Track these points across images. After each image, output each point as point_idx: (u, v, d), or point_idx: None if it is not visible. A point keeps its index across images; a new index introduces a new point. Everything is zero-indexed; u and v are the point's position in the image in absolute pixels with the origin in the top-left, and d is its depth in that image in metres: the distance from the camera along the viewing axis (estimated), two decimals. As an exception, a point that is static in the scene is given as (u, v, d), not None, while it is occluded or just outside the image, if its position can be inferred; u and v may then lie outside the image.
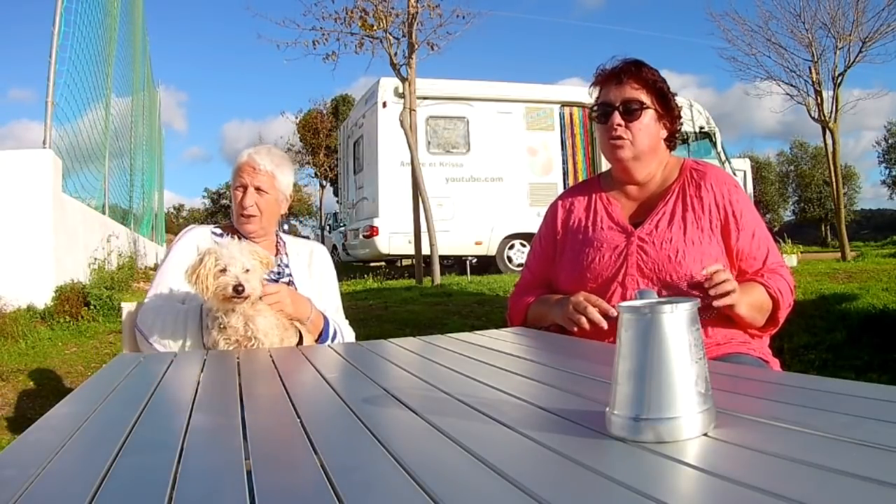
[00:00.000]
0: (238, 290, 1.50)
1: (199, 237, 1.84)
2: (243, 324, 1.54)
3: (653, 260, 1.54)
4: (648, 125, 1.61)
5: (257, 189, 1.82)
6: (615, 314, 1.50)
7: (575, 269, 1.63)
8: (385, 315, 5.25)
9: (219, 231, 1.90)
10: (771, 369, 1.50)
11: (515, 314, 1.78)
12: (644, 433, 0.64)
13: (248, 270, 1.53)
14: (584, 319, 1.51)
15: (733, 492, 0.51)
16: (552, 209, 1.81)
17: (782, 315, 1.54)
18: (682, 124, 1.70)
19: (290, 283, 1.84)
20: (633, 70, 1.61)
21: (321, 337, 1.75)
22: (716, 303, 1.42)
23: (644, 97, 1.60)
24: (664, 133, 1.65)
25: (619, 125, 1.60)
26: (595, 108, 1.67)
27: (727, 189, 1.59)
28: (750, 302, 1.48)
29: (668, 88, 1.65)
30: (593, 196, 1.71)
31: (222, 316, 1.55)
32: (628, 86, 1.60)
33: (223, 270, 1.51)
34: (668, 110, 1.64)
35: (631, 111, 1.59)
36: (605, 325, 1.49)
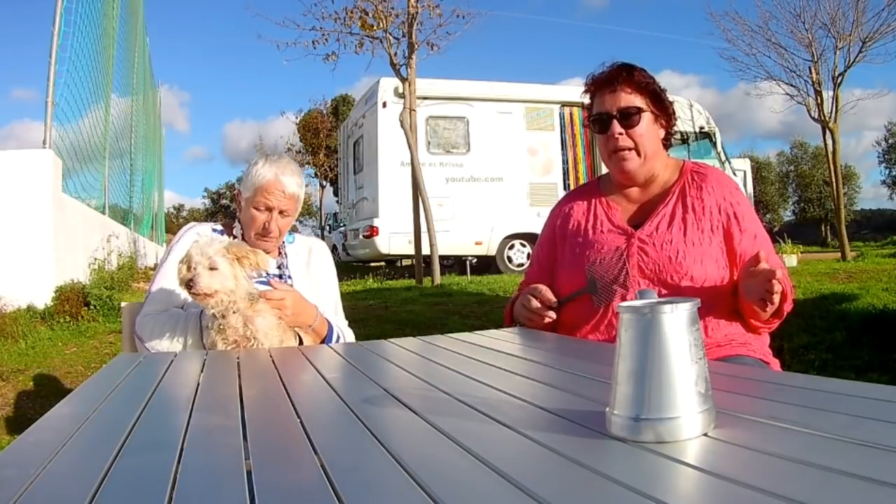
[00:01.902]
0: (188, 286, 1.50)
1: (204, 235, 1.83)
2: (242, 324, 1.54)
3: (653, 261, 1.54)
4: (648, 129, 1.60)
5: (281, 213, 1.78)
6: (555, 304, 1.58)
7: (576, 271, 1.63)
8: (385, 315, 5.25)
9: (219, 229, 1.88)
10: (770, 370, 1.51)
11: (505, 317, 1.82)
12: (644, 433, 0.64)
13: (213, 269, 1.51)
14: (535, 316, 1.61)
15: (733, 492, 0.51)
16: (551, 216, 1.81)
17: (787, 309, 1.53)
18: (676, 121, 1.69)
19: (287, 280, 1.83)
20: (625, 75, 1.60)
21: (323, 343, 1.74)
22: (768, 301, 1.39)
23: (639, 101, 1.59)
24: (662, 133, 1.65)
25: (620, 134, 1.59)
26: (591, 117, 1.66)
27: (728, 191, 1.59)
28: None
29: (660, 88, 1.64)
30: (593, 201, 1.71)
31: (219, 316, 1.55)
32: (622, 92, 1.59)
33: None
34: (663, 110, 1.64)
35: (629, 117, 1.58)
36: (552, 315, 1.60)
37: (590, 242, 1.64)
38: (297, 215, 1.87)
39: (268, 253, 1.83)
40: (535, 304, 1.60)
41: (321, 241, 2.07)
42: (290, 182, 1.78)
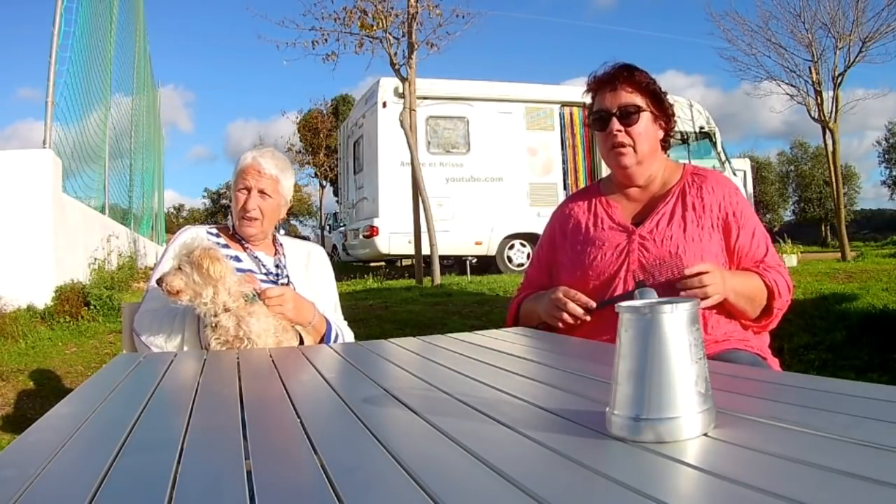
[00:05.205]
0: (158, 283, 1.58)
1: (193, 237, 1.85)
2: (234, 324, 1.54)
3: (654, 256, 1.55)
4: (646, 128, 1.63)
5: (261, 192, 1.82)
6: (594, 306, 1.55)
7: (577, 268, 1.64)
8: (385, 315, 5.24)
9: (214, 231, 1.90)
10: (767, 365, 1.51)
11: (509, 315, 1.83)
12: (644, 433, 0.64)
13: (179, 268, 1.55)
14: (565, 315, 1.57)
15: (733, 492, 0.51)
16: (552, 217, 1.83)
17: (777, 306, 1.55)
18: (676, 123, 1.71)
19: (287, 285, 1.84)
20: (626, 75, 1.63)
21: (322, 340, 1.75)
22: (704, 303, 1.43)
23: (639, 100, 1.62)
24: (661, 134, 1.68)
25: (619, 131, 1.61)
26: (591, 115, 1.68)
27: (728, 192, 1.62)
28: (738, 289, 1.50)
29: (660, 89, 1.66)
30: (593, 200, 1.73)
31: (211, 316, 1.56)
32: (622, 91, 1.61)
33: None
34: (663, 110, 1.66)
35: (628, 116, 1.61)
36: (587, 318, 1.56)
37: (591, 240, 1.65)
38: (281, 199, 1.89)
39: (252, 238, 1.87)
40: (572, 306, 1.57)
41: (319, 246, 2.09)
42: (268, 164, 1.84)
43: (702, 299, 1.43)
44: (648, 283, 1.53)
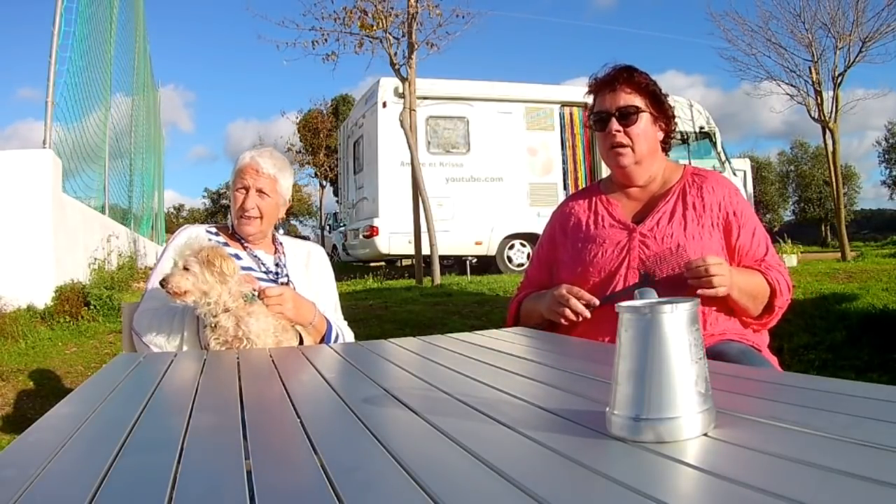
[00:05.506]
0: (162, 284, 1.55)
1: (193, 236, 1.85)
2: (234, 324, 1.54)
3: (654, 253, 1.56)
4: (645, 129, 1.64)
5: (259, 192, 1.82)
6: (597, 303, 1.54)
7: (577, 265, 1.65)
8: (385, 315, 5.24)
9: (214, 230, 1.90)
10: (762, 356, 1.52)
11: (509, 314, 1.84)
12: (644, 433, 0.64)
13: (186, 269, 1.54)
14: (567, 311, 1.57)
15: (733, 492, 0.51)
16: (553, 216, 1.84)
17: (778, 304, 1.55)
18: (676, 124, 1.73)
19: (287, 284, 1.84)
20: (626, 76, 1.64)
21: (323, 340, 1.75)
22: (699, 291, 1.44)
23: (638, 101, 1.63)
24: (661, 135, 1.69)
25: (618, 131, 1.63)
26: (592, 116, 1.70)
27: (728, 192, 1.63)
28: (743, 286, 1.51)
29: (661, 90, 1.67)
30: (594, 199, 1.74)
31: (210, 316, 1.56)
32: (622, 92, 1.63)
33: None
34: (663, 112, 1.68)
35: (627, 116, 1.62)
36: (587, 314, 1.55)
37: (591, 237, 1.66)
38: (279, 198, 1.89)
39: (251, 237, 1.86)
40: (574, 302, 1.56)
41: (319, 246, 2.09)
42: (265, 163, 1.83)
43: (707, 288, 1.43)
44: (652, 274, 1.53)
